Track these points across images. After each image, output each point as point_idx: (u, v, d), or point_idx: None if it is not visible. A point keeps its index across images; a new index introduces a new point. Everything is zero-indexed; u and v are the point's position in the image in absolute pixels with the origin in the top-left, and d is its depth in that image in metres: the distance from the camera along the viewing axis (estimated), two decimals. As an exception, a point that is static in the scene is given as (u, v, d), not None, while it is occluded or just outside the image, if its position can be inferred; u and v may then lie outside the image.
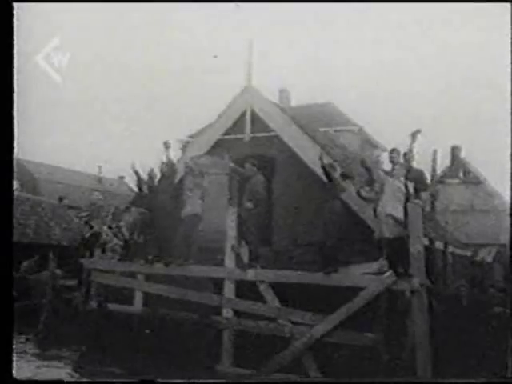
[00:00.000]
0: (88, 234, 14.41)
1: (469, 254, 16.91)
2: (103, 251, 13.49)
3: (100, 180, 33.27)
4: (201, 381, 8.61)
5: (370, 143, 24.50)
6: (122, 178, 36.71)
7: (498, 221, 23.64)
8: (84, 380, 10.16)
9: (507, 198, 24.90)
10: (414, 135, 10.58)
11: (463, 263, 15.40)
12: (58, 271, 14.54)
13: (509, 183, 8.55)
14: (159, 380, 8.13)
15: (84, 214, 25.43)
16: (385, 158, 24.56)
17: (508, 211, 24.19)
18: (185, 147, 26.19)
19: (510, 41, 7.90)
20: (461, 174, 24.31)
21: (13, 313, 7.53)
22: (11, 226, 7.71)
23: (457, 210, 23.09)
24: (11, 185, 7.83)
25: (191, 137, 26.24)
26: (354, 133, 23.47)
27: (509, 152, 8.17)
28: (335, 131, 22.14)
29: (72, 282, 14.69)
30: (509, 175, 8.53)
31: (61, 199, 22.24)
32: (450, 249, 13.90)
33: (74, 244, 19.64)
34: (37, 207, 19.83)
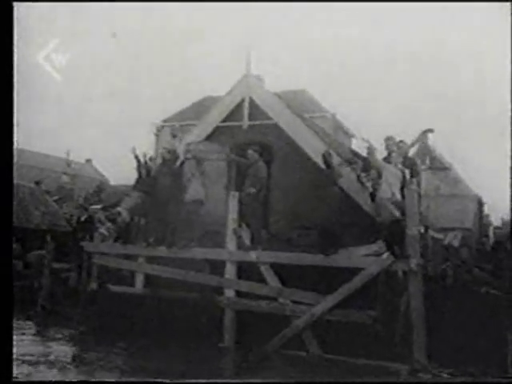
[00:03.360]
0: (84, 217, 14.56)
1: (442, 237, 17.69)
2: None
3: (69, 163, 33.13)
4: (201, 381, 8.80)
5: (341, 130, 25.15)
6: (89, 161, 36.69)
7: (463, 206, 24.52)
8: (84, 380, 10.27)
9: (471, 184, 25.96)
10: (424, 133, 11.27)
11: (439, 246, 16.12)
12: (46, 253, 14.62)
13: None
14: (158, 380, 8.37)
15: (55, 197, 25.37)
16: (354, 143, 25.28)
17: (472, 197, 25.24)
18: (159, 131, 26.55)
19: (510, 41, 8.35)
20: (427, 161, 25.11)
21: (12, 312, 7.66)
22: (11, 223, 7.81)
23: (424, 196, 23.83)
24: (11, 176, 7.96)
25: (165, 121, 26.46)
26: (326, 119, 24.05)
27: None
28: (309, 118, 22.58)
29: (57, 265, 14.84)
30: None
31: (37, 183, 22.17)
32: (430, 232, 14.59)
33: (52, 228, 19.67)
34: (16, 191, 19.76)
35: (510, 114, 8.48)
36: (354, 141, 25.52)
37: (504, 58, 8.39)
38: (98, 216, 14.40)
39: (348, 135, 25.66)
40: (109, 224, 13.82)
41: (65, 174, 29.96)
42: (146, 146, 23.56)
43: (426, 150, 25.36)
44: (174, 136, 12.68)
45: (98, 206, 21.50)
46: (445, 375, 9.39)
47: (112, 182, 31.92)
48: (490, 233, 25.82)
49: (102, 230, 13.30)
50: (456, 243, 19.11)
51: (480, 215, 25.98)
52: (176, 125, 25.21)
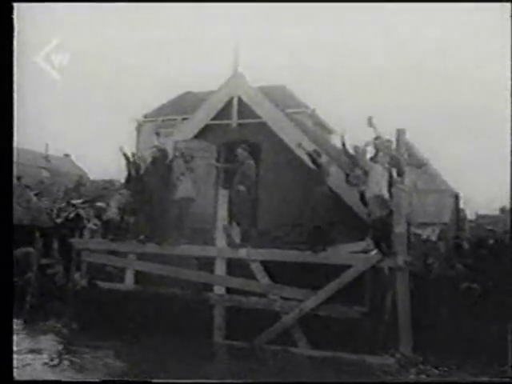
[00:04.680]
0: (72, 215, 14.59)
1: (421, 232, 18.05)
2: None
3: (47, 158, 32.89)
4: (201, 381, 8.90)
5: (321, 126, 25.37)
6: (67, 155, 36.47)
7: (440, 201, 24.89)
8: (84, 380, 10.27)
9: (447, 179, 26.37)
10: (369, 121, 11.40)
11: (419, 241, 16.45)
12: (33, 250, 14.58)
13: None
14: (158, 380, 8.48)
15: (34, 192, 25.21)
16: (334, 140, 25.51)
17: (449, 192, 25.65)
18: (140, 126, 26.56)
19: (510, 41, 8.52)
20: (406, 157, 25.35)
21: (12, 313, 7.71)
22: (11, 223, 7.86)
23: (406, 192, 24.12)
24: (11, 176, 8.02)
25: (146, 116, 26.47)
26: (306, 115, 24.24)
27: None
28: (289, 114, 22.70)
29: (43, 261, 14.80)
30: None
31: (18, 178, 21.98)
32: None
33: (35, 224, 19.54)
34: (-3, 187, 19.52)
35: (510, 114, 8.67)
36: (333, 137, 25.74)
37: (504, 58, 8.55)
38: (84, 212, 14.47)
39: (328, 131, 25.89)
40: (95, 220, 13.90)
41: (44, 168, 29.80)
42: (127, 142, 23.67)
43: (404, 146, 25.73)
44: (158, 134, 12.83)
45: (79, 201, 21.46)
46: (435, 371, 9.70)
47: (91, 177, 31.81)
48: (466, 227, 26.27)
49: (91, 225, 13.35)
50: (433, 238, 19.49)
51: (456, 210, 26.43)
52: (158, 120, 25.52)
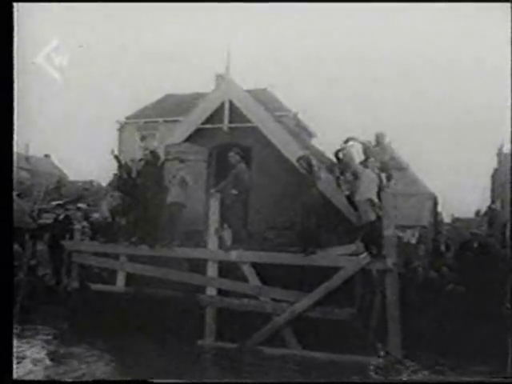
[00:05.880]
0: (62, 216, 14.57)
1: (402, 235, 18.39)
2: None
3: (27, 159, 32.64)
4: (201, 381, 9.02)
5: (302, 128, 25.65)
6: (47, 156, 36.23)
7: (419, 204, 25.31)
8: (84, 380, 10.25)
9: (427, 183, 26.82)
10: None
11: (402, 244, 16.77)
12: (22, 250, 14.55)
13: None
14: (158, 380, 8.45)
15: (15, 193, 24.99)
16: (315, 143, 25.80)
17: (428, 196, 26.08)
18: (122, 128, 26.59)
19: (510, 41, 8.75)
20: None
21: (12, 313, 7.74)
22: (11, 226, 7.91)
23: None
24: (11, 175, 8.06)
25: (128, 118, 26.48)
26: (288, 118, 24.50)
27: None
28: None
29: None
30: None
31: (1, 179, 21.76)
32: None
33: (19, 225, 19.40)
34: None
35: (510, 114, 8.87)
36: (314, 140, 26.05)
37: (504, 59, 8.71)
38: (70, 213, 14.51)
39: (310, 135, 26.19)
40: (84, 223, 13.92)
41: (23, 169, 29.58)
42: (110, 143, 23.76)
43: (388, 150, 26.10)
44: (143, 138, 12.96)
45: (60, 202, 21.38)
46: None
47: (71, 178, 31.70)
48: (443, 230, 26.74)
49: (79, 227, 13.36)
50: (413, 240, 19.83)
51: (435, 213, 26.88)
52: (140, 122, 25.61)
